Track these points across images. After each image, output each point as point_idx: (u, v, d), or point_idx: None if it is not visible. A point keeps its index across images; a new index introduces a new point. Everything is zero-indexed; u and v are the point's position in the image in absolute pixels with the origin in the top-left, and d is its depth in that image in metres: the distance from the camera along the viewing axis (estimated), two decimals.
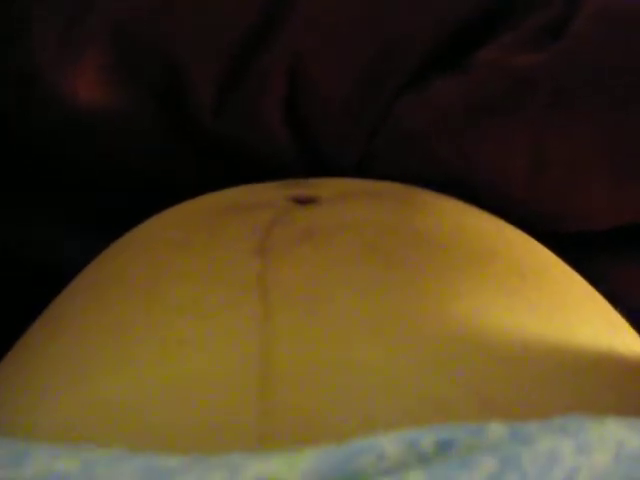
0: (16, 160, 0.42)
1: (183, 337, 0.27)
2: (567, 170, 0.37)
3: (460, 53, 0.39)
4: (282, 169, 0.39)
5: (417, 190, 0.36)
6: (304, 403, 0.25)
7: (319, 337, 0.26)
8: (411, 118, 0.39)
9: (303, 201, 0.34)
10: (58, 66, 0.39)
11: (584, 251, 0.38)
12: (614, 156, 0.37)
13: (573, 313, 0.30)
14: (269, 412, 0.24)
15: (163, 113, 0.41)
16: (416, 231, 0.32)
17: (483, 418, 0.22)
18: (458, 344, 0.27)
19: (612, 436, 0.21)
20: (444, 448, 0.20)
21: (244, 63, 0.39)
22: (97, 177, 0.42)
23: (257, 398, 0.25)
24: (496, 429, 0.21)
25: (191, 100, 0.40)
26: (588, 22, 0.37)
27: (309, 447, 0.21)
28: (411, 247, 0.31)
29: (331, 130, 0.40)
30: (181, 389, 0.25)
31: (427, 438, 0.20)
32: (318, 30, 0.39)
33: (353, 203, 0.33)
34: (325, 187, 0.35)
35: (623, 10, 0.38)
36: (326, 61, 0.39)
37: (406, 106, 0.39)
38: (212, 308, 0.28)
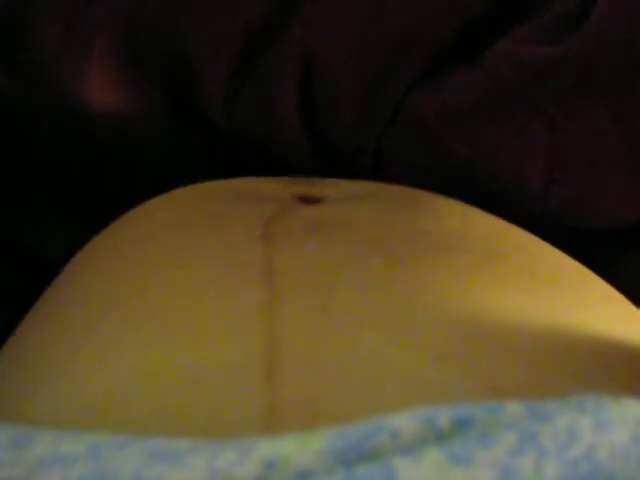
0: (22, 159, 0.42)
1: (186, 322, 0.26)
2: (585, 166, 0.37)
3: (475, 46, 0.39)
4: (294, 164, 0.38)
5: (424, 193, 0.36)
6: (310, 391, 0.24)
7: (325, 326, 0.26)
8: (425, 112, 0.38)
9: (308, 200, 0.33)
10: (67, 63, 0.39)
11: (603, 247, 0.37)
12: (634, 150, 0.36)
13: (587, 310, 0.29)
14: (275, 399, 0.24)
15: (175, 108, 0.40)
16: (421, 231, 0.31)
17: None
18: (466, 335, 0.26)
19: (631, 414, 0.20)
20: (461, 425, 0.20)
21: (256, 57, 0.39)
22: (106, 173, 0.42)
23: (263, 385, 0.24)
24: (514, 407, 0.20)
25: (203, 94, 0.39)
26: (605, 13, 0.36)
27: (321, 428, 0.21)
28: (416, 245, 0.30)
29: (344, 124, 0.40)
30: (185, 376, 0.25)
31: (443, 416, 0.20)
32: (331, 24, 0.39)
33: (358, 204, 0.33)
34: (332, 187, 0.35)
35: None
36: (339, 55, 0.39)
37: (420, 100, 0.38)
38: (217, 292, 0.27)
